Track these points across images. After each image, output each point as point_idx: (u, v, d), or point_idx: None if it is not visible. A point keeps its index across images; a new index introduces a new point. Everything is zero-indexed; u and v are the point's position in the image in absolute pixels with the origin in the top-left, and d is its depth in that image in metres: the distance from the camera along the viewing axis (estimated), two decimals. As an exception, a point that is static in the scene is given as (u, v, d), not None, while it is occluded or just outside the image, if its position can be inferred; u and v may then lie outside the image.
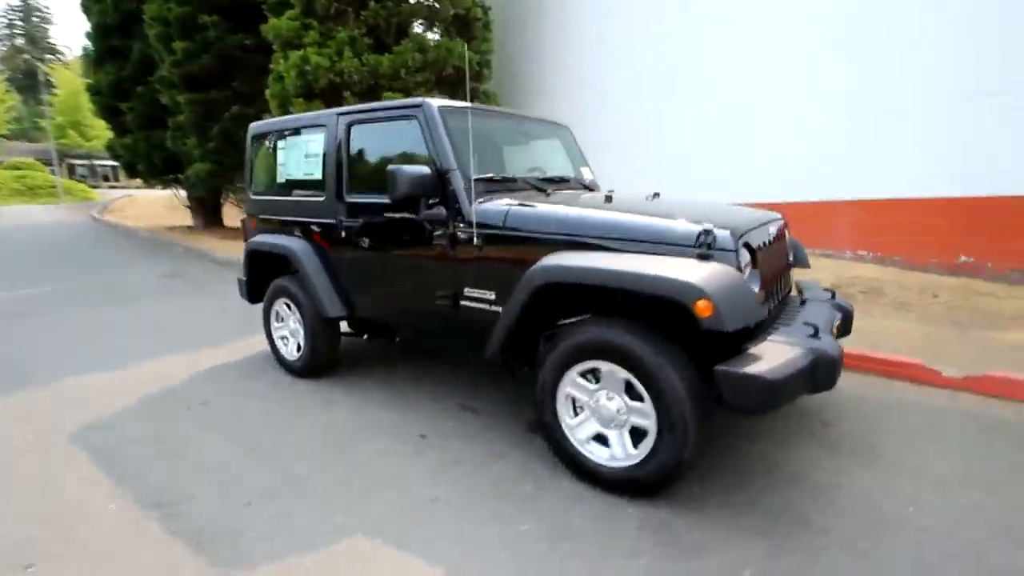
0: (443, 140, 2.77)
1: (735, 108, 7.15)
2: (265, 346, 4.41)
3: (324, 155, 3.37)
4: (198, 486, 2.44)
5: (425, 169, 2.68)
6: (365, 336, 3.72)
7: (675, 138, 7.89)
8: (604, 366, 2.18)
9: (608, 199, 2.72)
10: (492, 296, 2.67)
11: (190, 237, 12.76)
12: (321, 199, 3.41)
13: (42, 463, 2.64)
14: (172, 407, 3.32)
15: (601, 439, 2.31)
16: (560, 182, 3.36)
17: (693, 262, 2.05)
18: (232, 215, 14.65)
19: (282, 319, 3.84)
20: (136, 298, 6.68)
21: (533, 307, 2.36)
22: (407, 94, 8.57)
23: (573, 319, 2.55)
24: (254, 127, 3.99)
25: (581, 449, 2.32)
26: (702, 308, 1.84)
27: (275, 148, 3.76)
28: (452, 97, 9.20)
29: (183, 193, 14.27)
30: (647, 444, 2.13)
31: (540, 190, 3.03)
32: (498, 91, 10.28)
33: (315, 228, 3.47)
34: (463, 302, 2.79)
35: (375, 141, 3.17)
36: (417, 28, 10.05)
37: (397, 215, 2.96)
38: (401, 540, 2.01)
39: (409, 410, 3.17)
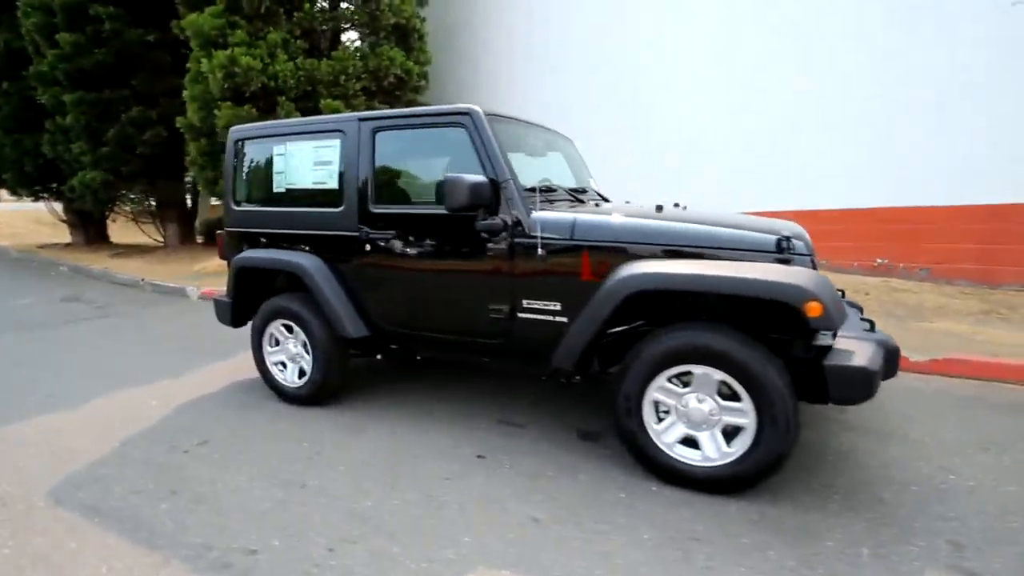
0: (495, 148, 2.70)
1: (676, 126, 7.71)
2: (241, 374, 3.98)
3: (341, 163, 3.12)
4: (253, 537, 2.11)
5: (483, 178, 2.59)
6: (379, 356, 3.48)
7: (617, 152, 8.30)
8: (698, 369, 2.24)
9: (659, 208, 2.81)
10: (557, 307, 2.63)
11: (73, 256, 11.08)
12: (337, 210, 3.14)
13: (34, 540, 2.13)
14: (163, 450, 2.86)
15: (689, 441, 2.36)
16: (581, 192, 3.40)
17: (783, 267, 2.19)
18: (124, 231, 12.95)
19: (277, 343, 3.47)
20: (41, 326, 5.68)
21: (618, 315, 2.37)
22: (346, 102, 8.20)
23: (624, 327, 2.61)
24: (237, 131, 3.59)
25: (671, 453, 2.35)
26: (813, 309, 1.98)
27: (270, 155, 3.42)
28: (392, 107, 8.94)
29: (59, 206, 12.37)
30: (744, 441, 2.21)
31: (579, 200, 3.06)
32: (434, 102, 10.16)
33: (327, 242, 3.20)
34: (521, 314, 2.71)
35: (407, 149, 3.01)
36: (351, 35, 9.67)
37: (442, 226, 2.83)
38: (533, 566, 1.90)
39: (450, 431, 3.01)
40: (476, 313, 2.82)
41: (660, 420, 2.40)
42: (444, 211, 2.79)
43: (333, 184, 3.17)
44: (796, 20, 6.74)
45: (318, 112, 7.86)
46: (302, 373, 3.40)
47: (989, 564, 1.86)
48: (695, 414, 2.31)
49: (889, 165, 6.19)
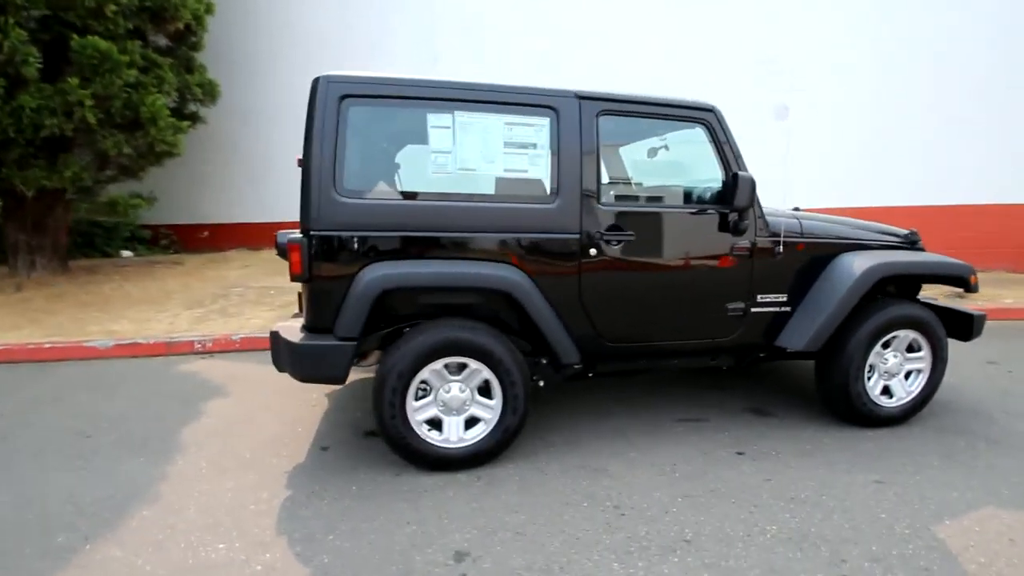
0: (737, 146, 2.75)
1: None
2: (293, 440, 2.73)
3: (555, 149, 2.49)
4: None
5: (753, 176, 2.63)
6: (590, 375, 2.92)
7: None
8: (902, 333, 2.96)
9: (796, 209, 3.39)
10: (784, 298, 2.92)
11: None
12: (549, 207, 2.51)
13: None
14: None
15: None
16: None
17: (928, 252, 3.12)
18: None
19: (427, 392, 2.49)
20: None
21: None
22: (108, 38, 5.50)
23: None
24: (339, 82, 2.32)
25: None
26: (974, 280, 2.96)
27: (416, 126, 2.38)
28: (178, 60, 6.47)
29: None
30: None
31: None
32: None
33: (530, 247, 2.51)
34: (755, 308, 2.88)
35: (632, 138, 2.66)
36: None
37: (688, 225, 2.68)
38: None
39: (688, 439, 2.88)
40: (715, 314, 2.81)
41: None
42: (693, 210, 2.69)
43: (539, 174, 2.51)
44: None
45: (64, 45, 5.03)
46: (470, 424, 2.55)
47: None
48: (893, 367, 3.02)
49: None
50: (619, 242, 2.62)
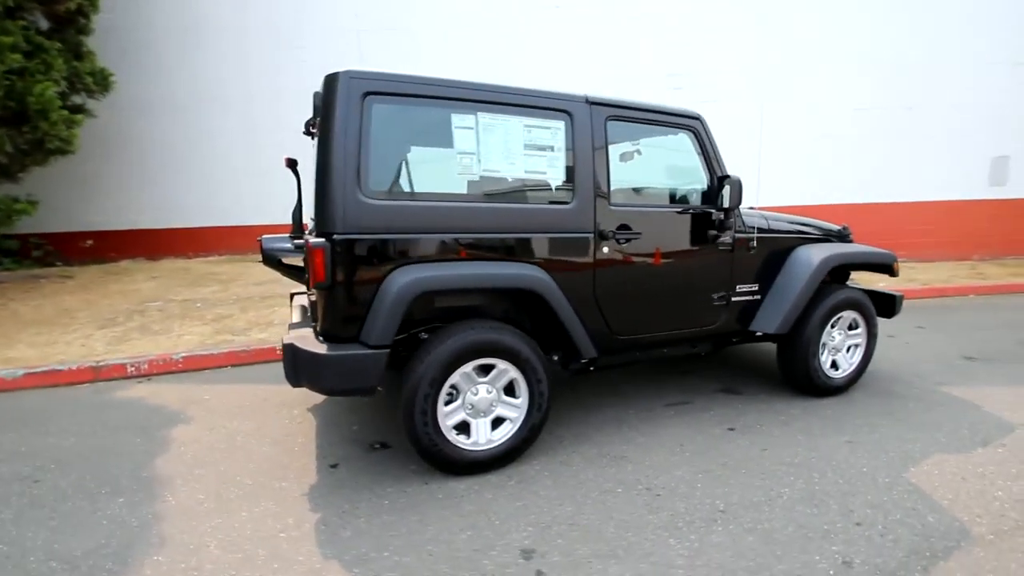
0: (718, 150, 3.02)
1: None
2: (293, 461, 2.67)
3: (571, 151, 2.57)
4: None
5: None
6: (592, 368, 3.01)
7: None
8: (846, 313, 3.44)
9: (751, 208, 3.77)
10: (756, 287, 3.26)
11: None
12: (566, 207, 2.59)
13: None
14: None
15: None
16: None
17: (857, 243, 3.64)
18: None
19: (455, 396, 2.47)
20: None
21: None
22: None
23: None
24: (361, 78, 2.21)
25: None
26: (896, 268, 3.51)
27: (441, 127, 2.33)
28: (66, 45, 5.63)
29: None
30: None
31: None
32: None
33: (549, 246, 2.57)
34: (735, 298, 3.18)
35: (634, 141, 2.81)
36: None
37: (685, 224, 2.90)
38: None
39: (689, 420, 3.09)
40: (705, 304, 3.08)
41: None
42: (688, 209, 2.94)
43: (556, 176, 2.58)
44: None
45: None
46: (496, 425, 2.57)
47: (929, 379, 3.90)
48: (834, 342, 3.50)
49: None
50: (627, 240, 2.77)
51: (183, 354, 4.10)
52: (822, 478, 2.52)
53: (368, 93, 2.22)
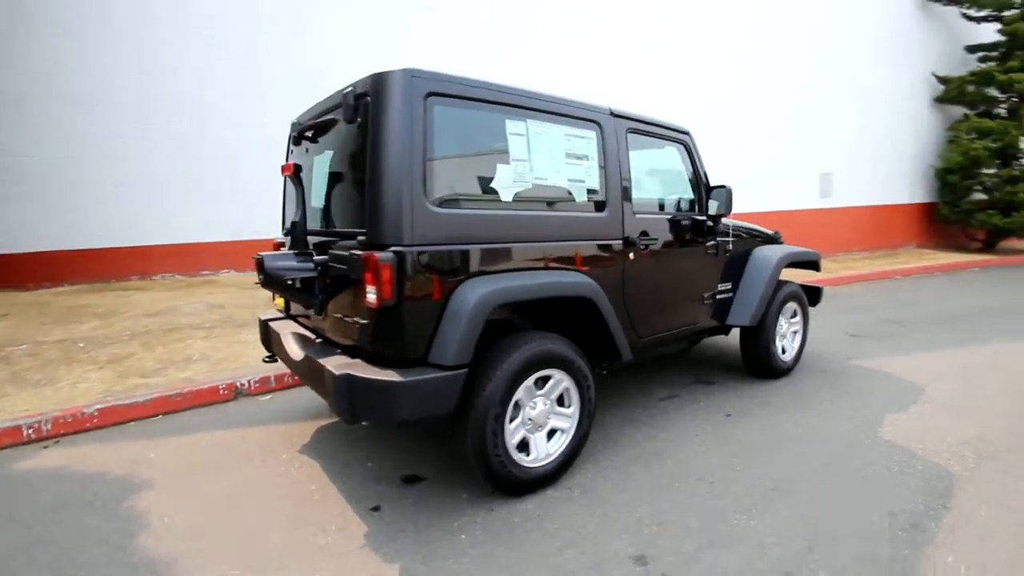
0: (703, 162, 3.32)
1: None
2: (319, 511, 2.50)
3: (602, 161, 2.63)
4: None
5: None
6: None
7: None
8: (791, 304, 3.98)
9: None
10: (730, 285, 3.63)
11: None
12: (601, 216, 2.64)
13: None
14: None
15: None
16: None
17: (790, 245, 4.24)
18: None
19: (516, 412, 2.37)
20: None
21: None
22: None
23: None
24: (421, 77, 2.04)
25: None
26: (819, 264, 4.16)
27: (497, 132, 2.24)
28: None
29: None
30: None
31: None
32: None
33: (589, 254, 2.59)
34: (718, 295, 3.51)
35: (642, 152, 2.96)
36: None
37: (688, 230, 3.13)
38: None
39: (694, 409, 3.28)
40: (699, 303, 3.35)
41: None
42: (690, 216, 3.20)
43: (593, 184, 2.62)
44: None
45: None
46: (550, 437, 2.52)
47: (837, 356, 4.66)
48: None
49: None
50: (646, 246, 2.91)
51: (97, 406, 3.29)
52: (823, 447, 2.88)
53: (431, 94, 2.06)
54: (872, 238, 10.87)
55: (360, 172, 2.10)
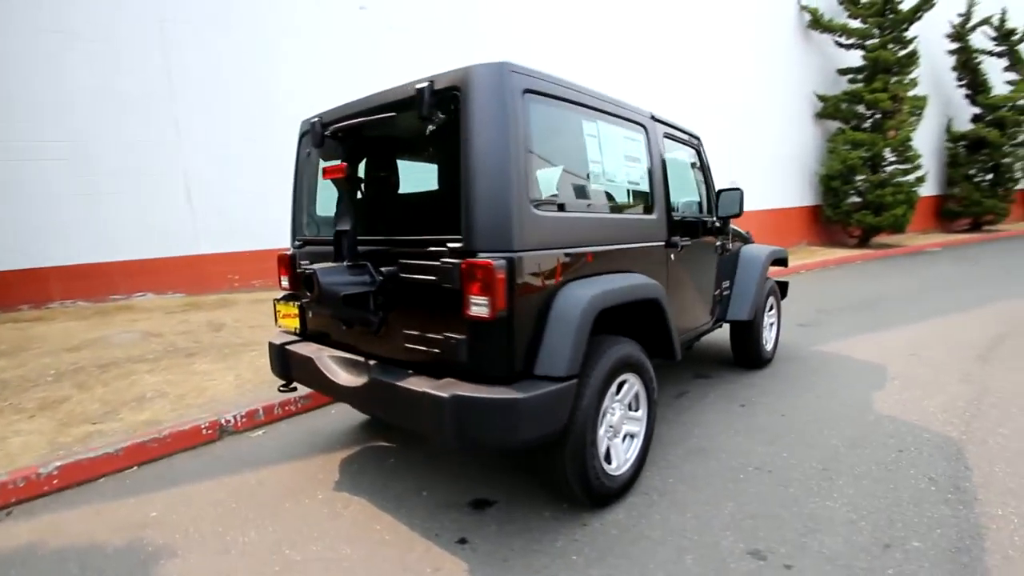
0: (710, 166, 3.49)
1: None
2: (400, 552, 2.43)
3: (650, 162, 2.65)
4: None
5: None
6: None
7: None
8: (771, 299, 4.30)
9: None
10: (728, 283, 3.83)
11: None
12: (651, 218, 2.66)
13: None
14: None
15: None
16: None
17: (761, 243, 4.58)
18: None
19: (605, 413, 2.32)
20: None
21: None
22: None
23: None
24: (521, 72, 1.93)
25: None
26: (787, 260, 4.55)
27: (575, 133, 2.16)
28: None
29: None
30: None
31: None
32: None
33: (640, 256, 2.60)
34: (723, 292, 3.69)
35: (669, 156, 3.04)
36: None
37: (709, 231, 3.27)
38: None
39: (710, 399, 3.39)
40: (711, 300, 3.50)
41: (759, 334, 4.25)
42: (707, 218, 3.34)
43: (645, 186, 2.63)
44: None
45: None
46: (627, 440, 2.49)
47: (797, 344, 5.12)
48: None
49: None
50: (682, 248, 2.98)
51: (56, 464, 2.68)
52: (825, 427, 3.13)
53: (527, 91, 1.94)
54: (774, 238, 12.09)
55: (446, 174, 1.93)
